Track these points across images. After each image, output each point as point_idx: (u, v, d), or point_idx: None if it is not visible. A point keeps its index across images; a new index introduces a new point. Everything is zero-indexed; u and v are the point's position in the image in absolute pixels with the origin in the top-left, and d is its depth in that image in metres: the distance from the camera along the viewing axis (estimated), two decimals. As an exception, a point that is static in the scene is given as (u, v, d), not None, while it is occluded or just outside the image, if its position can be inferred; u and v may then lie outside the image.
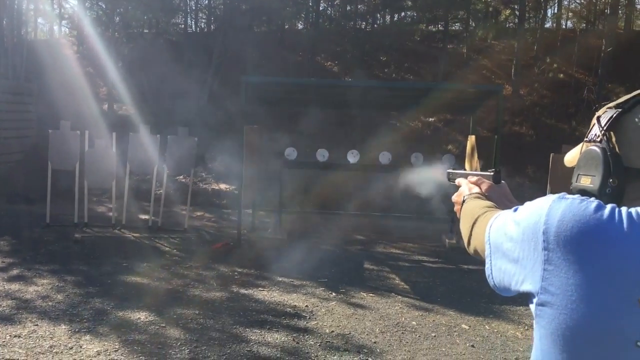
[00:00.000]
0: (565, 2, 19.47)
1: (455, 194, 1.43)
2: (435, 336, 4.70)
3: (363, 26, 19.08)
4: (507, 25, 18.40)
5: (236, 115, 11.34)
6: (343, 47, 16.92)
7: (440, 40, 17.25)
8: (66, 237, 7.60)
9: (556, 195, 0.94)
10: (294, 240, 7.97)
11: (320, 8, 19.03)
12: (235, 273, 6.36)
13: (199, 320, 4.81)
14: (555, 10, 19.54)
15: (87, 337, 4.34)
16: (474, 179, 1.41)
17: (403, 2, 17.75)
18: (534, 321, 0.95)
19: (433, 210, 9.81)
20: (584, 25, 18.25)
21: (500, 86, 10.08)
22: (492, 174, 1.39)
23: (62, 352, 4.05)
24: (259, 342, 4.39)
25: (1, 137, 11.54)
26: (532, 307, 0.94)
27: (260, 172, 8.97)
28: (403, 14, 19.06)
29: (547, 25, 19.70)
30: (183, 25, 19.58)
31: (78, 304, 5.09)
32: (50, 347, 4.12)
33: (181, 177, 11.18)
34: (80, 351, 4.07)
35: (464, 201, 1.34)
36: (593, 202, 0.90)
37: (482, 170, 1.47)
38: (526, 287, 0.94)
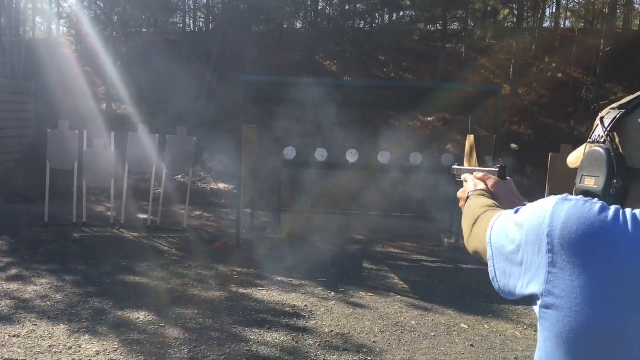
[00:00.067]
0: (564, 2, 19.50)
1: (461, 190, 1.41)
2: (434, 336, 4.70)
3: (362, 25, 19.07)
4: (506, 25, 18.39)
5: (235, 115, 11.34)
6: (342, 47, 16.91)
7: (439, 39, 17.25)
8: (65, 237, 7.59)
9: (559, 197, 0.94)
10: (293, 240, 7.97)
11: (319, 7, 19.03)
12: (235, 273, 6.36)
13: (198, 320, 4.81)
14: (554, 10, 19.57)
15: (86, 336, 4.33)
16: (480, 175, 1.39)
17: (402, 2, 17.74)
18: (538, 323, 0.94)
19: (432, 209, 9.84)
20: (583, 25, 18.27)
21: (498, 86, 10.09)
22: (497, 169, 1.37)
23: (61, 351, 4.04)
24: (258, 342, 4.39)
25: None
26: (536, 309, 0.94)
27: (259, 171, 8.97)
28: (402, 13, 19.06)
29: (546, 24, 19.74)
30: (181, 25, 19.57)
31: (77, 303, 5.08)
32: (50, 346, 4.12)
33: (180, 176, 11.18)
34: (80, 351, 4.07)
35: (468, 197, 1.33)
36: (597, 204, 0.90)
37: (486, 166, 1.46)
38: (530, 289, 0.94)
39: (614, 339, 0.85)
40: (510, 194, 1.33)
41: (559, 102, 14.46)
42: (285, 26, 18.35)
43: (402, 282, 6.29)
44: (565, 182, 8.00)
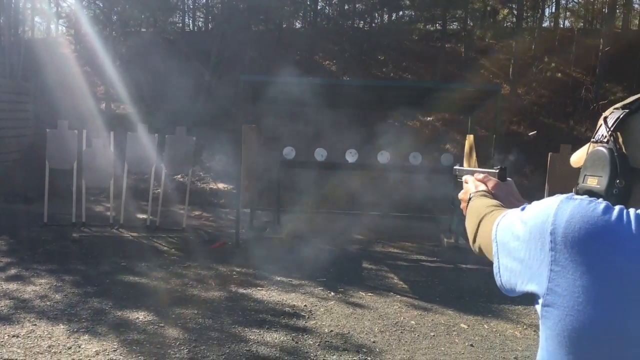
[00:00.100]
0: (563, 2, 19.51)
1: (462, 191, 1.42)
2: (434, 335, 4.70)
3: (361, 25, 19.07)
4: (505, 25, 18.40)
5: (234, 114, 11.34)
6: (341, 46, 16.91)
7: (439, 39, 17.25)
8: (64, 237, 7.59)
9: (564, 196, 0.94)
10: (293, 240, 7.97)
11: (318, 7, 19.03)
12: (234, 272, 6.35)
13: (198, 320, 4.80)
14: (553, 10, 19.58)
15: (86, 336, 4.33)
16: (481, 176, 1.40)
17: (401, 1, 17.75)
18: (540, 322, 0.94)
19: (431, 209, 9.84)
20: (582, 24, 18.29)
21: (498, 85, 10.09)
22: (497, 171, 1.38)
23: (60, 352, 4.04)
24: (258, 342, 4.38)
25: (-2, 136, 11.52)
26: (538, 307, 0.93)
27: (259, 171, 8.97)
28: (401, 13, 19.07)
29: (545, 24, 19.74)
30: (181, 24, 19.57)
31: (76, 303, 5.08)
32: (49, 347, 4.11)
33: (179, 176, 11.17)
34: (79, 351, 4.06)
35: (470, 199, 1.33)
36: (602, 203, 0.90)
37: (487, 167, 1.46)
38: (532, 287, 0.94)
39: (615, 338, 0.85)
40: (511, 195, 1.33)
41: (558, 102, 14.47)
42: (284, 26, 18.36)
43: (401, 282, 6.29)
44: (564, 182, 8.00)
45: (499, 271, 1.03)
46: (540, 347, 0.96)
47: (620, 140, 0.99)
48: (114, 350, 4.10)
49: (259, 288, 5.80)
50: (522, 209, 1.00)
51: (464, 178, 1.47)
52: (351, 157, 8.47)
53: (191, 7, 20.25)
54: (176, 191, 10.30)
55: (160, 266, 6.48)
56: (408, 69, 16.54)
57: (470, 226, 1.24)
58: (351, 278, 6.35)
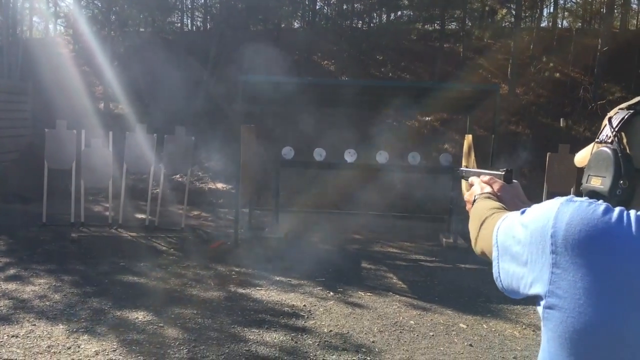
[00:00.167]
0: (562, 2, 19.53)
1: (467, 192, 1.42)
2: (433, 335, 4.71)
3: (360, 25, 19.08)
4: (504, 25, 18.43)
5: (232, 114, 11.33)
6: (340, 46, 16.91)
7: (437, 39, 17.26)
8: (63, 237, 7.58)
9: (564, 198, 0.94)
10: (291, 240, 7.97)
11: (317, 7, 19.02)
12: (233, 272, 6.36)
13: (197, 320, 4.80)
14: (552, 10, 19.60)
15: (85, 337, 4.33)
16: (486, 178, 1.40)
17: (399, 1, 17.75)
18: (542, 324, 0.95)
19: (430, 209, 9.85)
20: (580, 24, 18.31)
21: (496, 85, 10.10)
22: (503, 173, 1.38)
23: (60, 352, 4.04)
24: (257, 342, 4.39)
25: (-3, 136, 11.50)
26: (540, 309, 0.94)
27: (257, 171, 8.97)
28: (400, 13, 19.07)
29: (543, 24, 19.77)
30: (179, 24, 19.55)
31: (75, 303, 5.08)
32: (48, 347, 4.11)
33: (178, 176, 11.17)
34: (79, 351, 4.06)
35: (474, 200, 1.34)
36: (601, 205, 0.90)
37: (493, 169, 1.46)
38: (534, 290, 0.94)
39: (616, 339, 0.86)
40: (516, 197, 1.33)
41: (556, 101, 14.49)
42: (283, 26, 18.35)
43: (400, 282, 6.30)
44: (562, 182, 8.02)
45: (499, 275, 1.04)
46: (542, 349, 0.97)
47: (625, 140, 1.00)
48: (114, 350, 4.10)
49: (258, 288, 5.80)
50: (522, 213, 1.01)
51: (469, 180, 1.47)
52: (350, 157, 8.48)
53: (190, 7, 20.23)
54: (175, 191, 10.31)
55: (159, 266, 6.48)
56: (407, 69, 16.55)
57: (472, 229, 1.24)
58: (350, 278, 6.36)
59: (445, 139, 13.15)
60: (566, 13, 19.39)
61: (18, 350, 4.02)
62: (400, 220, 9.60)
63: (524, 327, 5.01)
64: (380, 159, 8.48)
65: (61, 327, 4.50)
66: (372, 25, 19.28)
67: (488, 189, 1.36)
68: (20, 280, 5.71)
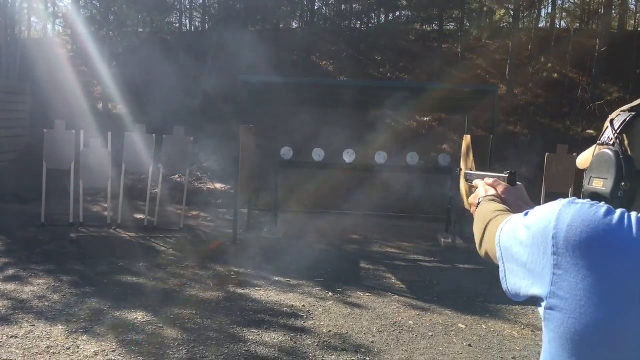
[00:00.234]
0: (560, 2, 19.57)
1: (472, 195, 1.43)
2: (432, 336, 4.72)
3: (358, 25, 19.09)
4: (502, 25, 18.45)
5: (231, 115, 11.33)
6: (338, 47, 16.92)
7: (435, 39, 17.28)
8: (61, 237, 7.57)
9: (566, 200, 0.95)
10: (290, 240, 7.97)
11: (315, 7, 19.04)
12: (232, 273, 6.36)
13: (196, 320, 4.81)
14: (550, 10, 19.63)
15: (84, 337, 4.33)
16: (490, 181, 1.41)
17: (398, 2, 17.77)
18: (543, 325, 0.95)
19: (429, 209, 9.86)
20: (578, 25, 18.35)
21: (495, 86, 10.13)
22: (507, 175, 1.38)
23: (59, 352, 4.04)
24: (256, 342, 4.39)
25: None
26: (541, 310, 0.95)
27: (256, 171, 8.97)
28: (398, 13, 19.08)
29: (541, 25, 19.80)
30: (178, 24, 19.55)
31: (74, 304, 5.08)
32: (48, 347, 4.11)
33: (177, 176, 11.17)
34: (78, 351, 4.06)
35: (479, 203, 1.34)
36: (603, 207, 0.91)
37: (497, 172, 1.47)
38: (535, 291, 0.95)
39: (617, 340, 0.86)
40: (520, 199, 1.34)
41: (554, 102, 14.51)
42: (281, 26, 18.35)
43: (399, 282, 6.30)
44: (561, 182, 8.04)
45: (505, 276, 1.04)
46: (544, 350, 0.97)
47: (626, 142, 1.00)
48: (113, 351, 4.10)
49: (257, 288, 5.81)
50: (525, 214, 1.01)
51: (474, 182, 1.48)
52: (348, 157, 8.48)
53: (188, 7, 20.23)
54: (173, 191, 10.31)
55: (158, 266, 6.48)
56: (405, 69, 16.56)
57: (477, 231, 1.25)
58: (349, 278, 6.36)
59: (443, 139, 13.17)
60: (564, 13, 19.43)
61: (17, 351, 4.02)
62: (398, 220, 9.61)
63: (522, 327, 5.01)
64: (379, 159, 8.48)
65: (60, 327, 4.50)
66: (370, 25, 19.30)
67: (492, 191, 1.37)
68: (19, 280, 5.71)
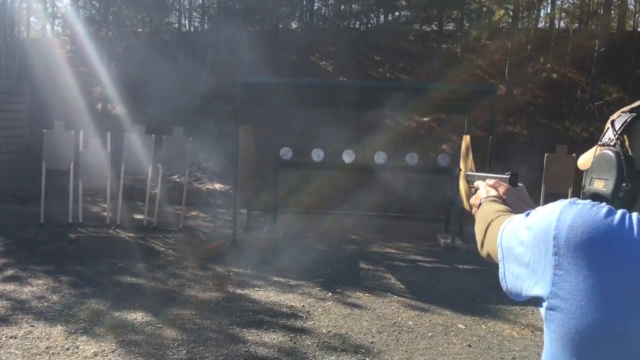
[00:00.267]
0: (558, 2, 19.58)
1: (473, 196, 1.44)
2: (432, 336, 4.72)
3: (357, 26, 19.09)
4: (501, 25, 18.46)
5: (230, 115, 11.33)
6: (337, 47, 16.92)
7: (435, 40, 17.28)
8: (61, 238, 7.57)
9: (567, 200, 0.95)
10: (290, 240, 7.97)
11: (315, 7, 19.04)
12: (231, 273, 6.35)
13: (196, 321, 4.80)
14: (549, 11, 19.64)
15: (84, 337, 4.32)
16: (492, 181, 1.41)
17: (397, 2, 17.77)
18: (544, 325, 0.95)
19: (428, 209, 9.86)
20: (577, 25, 18.35)
21: (494, 86, 10.13)
22: (508, 177, 1.39)
23: (58, 353, 4.03)
24: (256, 343, 4.39)
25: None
26: (542, 311, 0.95)
27: (255, 171, 8.97)
28: (397, 13, 19.07)
29: (541, 25, 19.81)
30: (177, 24, 19.53)
31: (74, 304, 5.07)
32: (47, 348, 4.10)
33: (176, 176, 11.16)
34: (77, 352, 4.06)
35: (480, 204, 1.35)
36: (604, 208, 0.91)
37: (498, 173, 1.47)
38: (536, 291, 0.95)
39: (618, 341, 0.86)
40: (522, 200, 1.35)
41: (554, 102, 14.51)
42: (280, 26, 18.34)
43: (398, 283, 6.30)
44: (560, 183, 8.04)
45: (505, 276, 1.04)
46: (545, 350, 0.98)
47: (627, 143, 1.00)
48: (112, 351, 4.09)
49: (256, 289, 5.80)
50: (527, 215, 1.02)
51: (475, 183, 1.49)
52: (348, 157, 8.48)
53: (187, 7, 20.21)
54: (173, 191, 10.31)
55: (157, 267, 6.48)
56: (404, 70, 16.56)
57: (478, 232, 1.25)
58: (348, 278, 6.36)
59: (443, 140, 13.17)
60: (563, 14, 19.43)
61: (16, 352, 4.02)
62: (398, 220, 9.61)
63: (522, 327, 5.02)
64: (378, 160, 8.49)
65: (59, 328, 4.50)
66: (369, 26, 19.30)
67: (493, 192, 1.37)
68: (18, 281, 5.70)
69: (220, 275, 6.27)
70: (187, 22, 20.69)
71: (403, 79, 16.07)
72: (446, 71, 15.46)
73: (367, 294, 5.77)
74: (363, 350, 4.33)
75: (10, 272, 6.01)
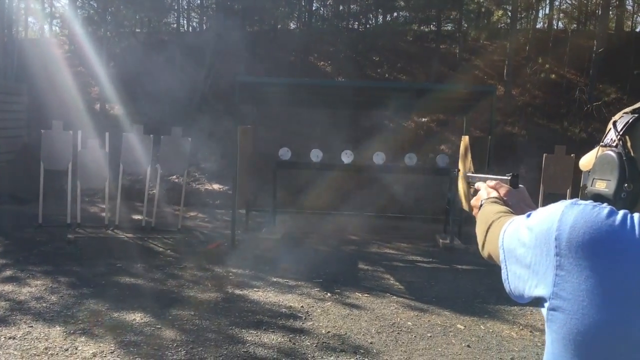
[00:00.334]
0: (557, 3, 19.60)
1: (474, 197, 1.44)
2: (431, 336, 4.72)
3: (356, 26, 19.10)
4: (500, 26, 18.48)
5: (229, 116, 11.32)
6: (336, 47, 16.93)
7: (433, 40, 17.30)
8: (59, 238, 7.56)
9: (569, 201, 0.95)
10: (289, 241, 7.97)
11: (313, 8, 19.03)
12: (230, 274, 6.35)
13: (195, 321, 4.80)
14: (547, 11, 19.67)
15: (83, 338, 4.31)
16: (492, 183, 1.42)
17: (396, 3, 17.78)
18: (546, 325, 0.95)
19: (427, 210, 9.86)
20: (575, 26, 18.38)
21: (493, 87, 10.13)
22: (509, 178, 1.39)
23: (57, 353, 4.02)
24: (255, 343, 4.38)
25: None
26: (544, 311, 0.95)
27: (254, 172, 8.96)
28: (396, 14, 19.09)
29: (539, 25, 19.84)
30: (175, 25, 19.52)
31: (72, 305, 5.06)
32: (46, 348, 4.10)
33: (174, 177, 11.15)
34: (76, 353, 4.05)
35: (481, 205, 1.35)
36: (605, 208, 0.91)
37: (497, 174, 1.48)
38: (538, 292, 0.95)
39: (619, 341, 0.86)
40: (522, 201, 1.35)
41: (552, 103, 14.53)
42: (279, 27, 18.35)
43: (397, 283, 6.30)
44: (559, 183, 8.05)
45: (507, 277, 1.04)
46: (546, 350, 0.98)
47: (629, 144, 1.00)
48: (111, 352, 4.09)
49: (255, 289, 5.80)
50: (528, 216, 1.02)
51: (476, 185, 1.49)
52: (347, 158, 8.49)
53: (185, 7, 20.21)
54: (171, 192, 10.30)
55: (156, 267, 6.47)
56: (403, 70, 16.57)
57: (479, 233, 1.25)
58: (347, 279, 6.36)
59: (441, 140, 13.17)
60: (561, 14, 19.44)
61: (15, 352, 4.01)
62: (396, 221, 9.61)
63: (521, 328, 5.02)
64: (377, 160, 8.49)
65: (58, 328, 4.49)
66: (368, 26, 19.31)
67: (494, 193, 1.37)
68: (17, 281, 5.69)
69: (219, 275, 6.27)
70: (185, 22, 20.71)
71: (401, 79, 16.07)
72: (445, 72, 15.47)
73: (366, 295, 5.77)
74: (362, 351, 4.33)
75: (8, 272, 6.00)
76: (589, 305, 0.87)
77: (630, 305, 0.85)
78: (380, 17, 19.80)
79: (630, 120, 1.01)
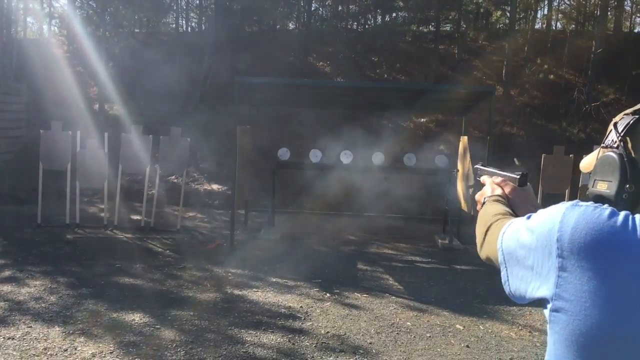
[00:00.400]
0: (555, 4, 19.62)
1: (479, 192, 1.42)
2: (430, 337, 4.72)
3: (355, 27, 19.11)
4: (498, 27, 18.50)
5: (228, 116, 11.32)
6: (335, 48, 16.93)
7: (432, 41, 17.31)
8: (58, 238, 7.55)
9: (570, 203, 0.95)
10: (288, 241, 7.97)
11: (312, 8, 19.04)
12: (229, 274, 6.35)
13: (194, 322, 4.80)
14: (546, 12, 19.69)
15: (82, 339, 4.31)
16: (498, 179, 1.40)
17: (395, 3, 17.80)
18: (548, 326, 0.95)
19: (426, 210, 9.86)
20: (574, 26, 18.40)
21: (492, 87, 10.13)
22: (518, 176, 1.36)
23: (56, 354, 4.02)
24: (254, 343, 4.38)
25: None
26: (546, 312, 0.95)
27: (253, 172, 8.96)
28: (395, 14, 19.11)
29: (538, 26, 19.86)
30: (174, 25, 19.51)
31: (71, 305, 5.06)
32: (45, 349, 4.09)
33: (173, 177, 11.15)
34: (75, 353, 4.05)
35: (484, 202, 1.34)
36: (607, 209, 0.91)
37: (508, 171, 1.45)
38: (541, 293, 0.95)
39: (621, 342, 0.87)
40: (527, 201, 1.33)
41: (550, 103, 14.55)
42: (278, 27, 18.35)
43: (396, 283, 6.31)
44: (557, 183, 8.06)
45: (507, 279, 1.04)
46: (548, 351, 0.98)
47: (630, 145, 1.01)
48: (111, 352, 4.08)
49: (254, 289, 5.80)
50: (528, 218, 1.02)
51: (482, 179, 1.47)
52: (346, 158, 8.49)
53: (184, 8, 20.20)
54: (170, 192, 10.29)
55: (155, 268, 6.46)
56: (402, 70, 16.58)
57: (478, 234, 1.25)
58: (346, 279, 6.36)
59: (440, 141, 13.17)
60: (560, 15, 19.47)
61: (14, 353, 4.00)
62: (395, 221, 9.61)
63: (520, 328, 5.02)
64: (376, 161, 8.49)
65: (57, 329, 4.49)
66: (367, 26, 19.32)
67: (499, 190, 1.36)
68: (16, 282, 5.69)
69: (218, 276, 6.27)
70: (184, 22, 20.70)
71: (400, 80, 16.08)
72: (443, 72, 15.49)
73: (365, 295, 5.77)
74: (361, 351, 4.33)
75: (7, 273, 5.99)
76: (592, 306, 0.87)
77: (633, 306, 0.86)
78: (379, 18, 19.81)
79: (631, 122, 1.01)
